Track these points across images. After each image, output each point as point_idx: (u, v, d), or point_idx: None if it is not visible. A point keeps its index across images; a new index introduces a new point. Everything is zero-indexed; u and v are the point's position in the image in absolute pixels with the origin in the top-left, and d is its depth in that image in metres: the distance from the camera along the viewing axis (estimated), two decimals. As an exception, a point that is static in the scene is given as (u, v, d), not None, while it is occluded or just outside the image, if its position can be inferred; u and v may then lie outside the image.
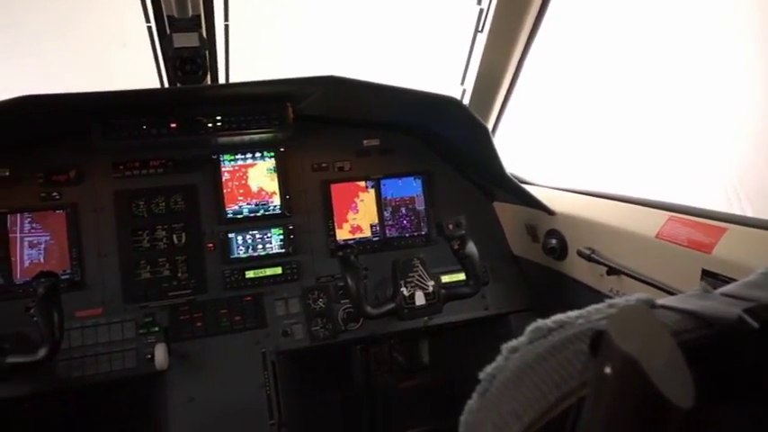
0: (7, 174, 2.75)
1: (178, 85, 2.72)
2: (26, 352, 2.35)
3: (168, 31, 2.40)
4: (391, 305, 2.69)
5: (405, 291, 2.70)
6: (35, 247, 2.77)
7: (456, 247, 2.79)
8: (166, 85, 3.01)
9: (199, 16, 2.37)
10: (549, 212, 2.89)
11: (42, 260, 2.77)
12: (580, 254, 2.65)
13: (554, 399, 0.58)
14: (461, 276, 3.08)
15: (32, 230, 2.78)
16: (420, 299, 2.70)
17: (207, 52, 2.49)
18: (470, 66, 2.87)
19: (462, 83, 2.98)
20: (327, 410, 3.55)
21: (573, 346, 0.63)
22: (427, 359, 3.92)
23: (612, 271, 2.51)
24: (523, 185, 2.92)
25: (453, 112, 2.64)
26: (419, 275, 2.74)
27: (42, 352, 2.30)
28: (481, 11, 2.54)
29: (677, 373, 0.46)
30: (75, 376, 2.66)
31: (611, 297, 2.56)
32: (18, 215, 2.75)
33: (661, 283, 2.23)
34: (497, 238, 3.30)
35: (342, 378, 3.77)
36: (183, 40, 2.40)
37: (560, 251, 2.86)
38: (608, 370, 0.47)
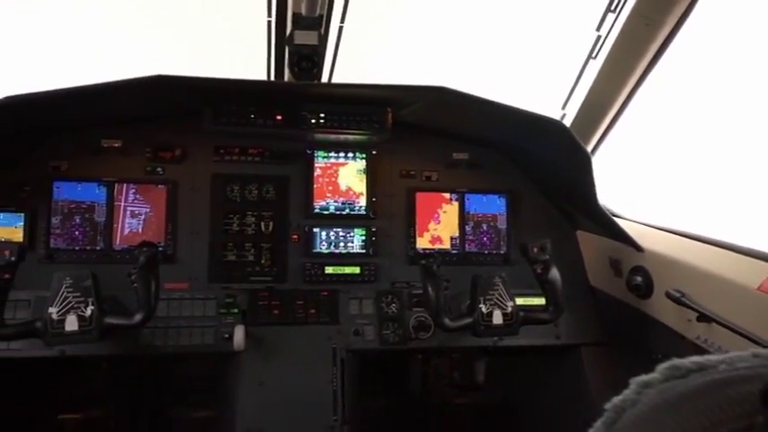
0: (119, 145, 2.91)
1: (286, 79, 2.82)
2: (119, 315, 2.48)
3: (291, 28, 2.49)
4: (468, 320, 2.68)
5: (483, 308, 2.69)
6: (136, 217, 2.92)
7: (539, 271, 2.76)
8: (272, 78, 3.13)
9: (323, 16, 2.44)
10: (638, 249, 2.82)
11: (140, 230, 2.92)
12: (668, 295, 2.58)
13: None
14: (536, 301, 3.05)
15: (135, 201, 2.93)
16: (498, 318, 2.69)
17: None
18: (576, 91, 2.84)
19: (564, 107, 2.95)
20: (381, 414, 3.57)
21: (721, 392, 0.62)
22: (482, 378, 3.89)
23: (703, 318, 2.43)
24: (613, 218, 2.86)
25: (555, 136, 2.62)
26: (499, 294, 2.72)
27: (138, 317, 2.42)
28: (599, 37, 2.51)
29: None
30: (157, 344, 2.78)
31: (697, 344, 2.46)
32: (124, 185, 2.91)
33: (760, 338, 2.14)
34: (576, 267, 3.25)
35: (395, 384, 3.79)
36: (304, 38, 2.48)
37: (645, 289, 2.78)
38: None
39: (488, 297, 2.71)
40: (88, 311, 2.38)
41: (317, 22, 2.46)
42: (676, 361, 0.70)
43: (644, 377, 0.71)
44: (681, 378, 0.67)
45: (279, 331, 2.90)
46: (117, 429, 3.26)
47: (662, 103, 2.86)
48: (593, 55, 2.60)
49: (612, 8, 2.40)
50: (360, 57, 3.18)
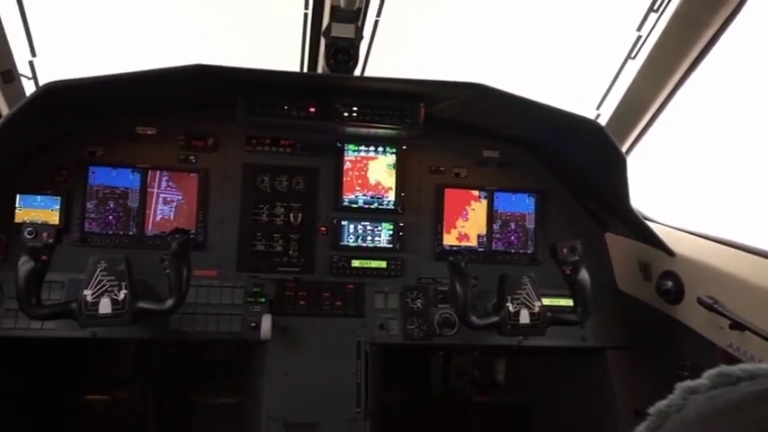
0: (153, 133, 2.94)
1: (319, 71, 2.83)
2: (150, 299, 2.52)
3: (328, 20, 2.49)
4: (495, 318, 2.68)
5: (510, 307, 2.68)
6: (168, 204, 2.96)
7: (568, 272, 2.74)
8: (305, 70, 3.14)
9: (360, 9, 2.45)
10: (670, 253, 2.78)
11: (172, 217, 2.96)
12: (700, 302, 2.54)
13: None
14: (562, 302, 3.03)
15: (168, 188, 2.97)
16: (525, 317, 2.68)
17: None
18: (612, 91, 2.80)
19: (598, 107, 2.91)
20: (401, 408, 3.58)
21: None
22: (502, 377, 3.89)
23: (736, 325, 2.39)
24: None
25: (590, 136, 2.59)
26: (527, 294, 2.71)
27: (169, 302, 2.46)
28: (639, 38, 2.47)
29: None
30: (185, 330, 2.82)
31: (729, 352, 2.43)
32: (158, 172, 2.95)
33: (797, 348, 2.10)
34: (604, 269, 3.21)
35: (416, 379, 3.80)
36: (342, 31, 2.49)
37: (675, 294, 2.75)
38: None
39: (516, 296, 2.70)
40: (121, 295, 2.42)
41: (354, 15, 2.46)
42: (725, 368, 0.69)
43: (690, 383, 0.70)
44: (730, 385, 0.66)
45: (304, 322, 2.92)
46: (142, 412, 3.32)
47: (703, 105, 2.81)
48: (633, 55, 2.56)
49: (655, 8, 2.36)
50: (392, 51, 3.18)
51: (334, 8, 2.43)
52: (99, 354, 3.52)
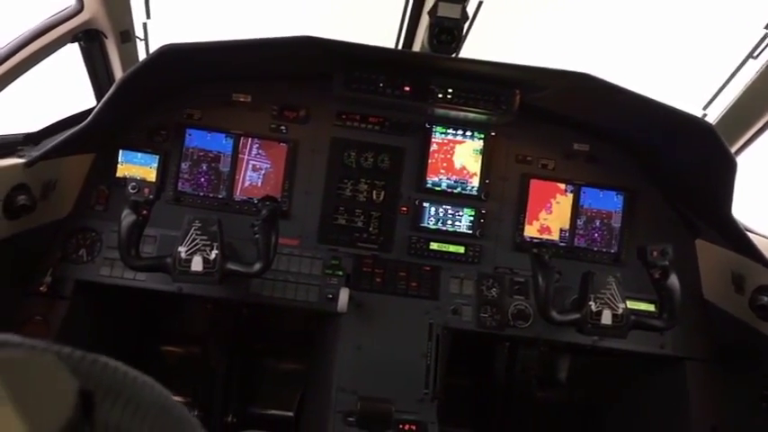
0: (249, 100, 3.01)
1: (417, 50, 2.80)
2: (236, 262, 2.60)
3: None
4: (576, 315, 2.62)
5: (593, 305, 2.61)
6: (257, 171, 3.04)
7: (657, 276, 2.65)
8: (400, 47, 3.12)
9: (470, -10, 2.40)
10: (769, 267, 2.63)
11: (260, 184, 3.03)
12: (800, 322, 2.40)
13: None
14: (642, 306, 2.95)
15: (258, 156, 3.04)
16: (607, 318, 2.61)
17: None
18: (724, 91, 2.65)
19: (706, 107, 2.76)
20: (464, 394, 3.58)
21: None
22: (564, 375, 3.82)
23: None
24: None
25: (698, 137, 2.46)
26: (611, 294, 2.64)
27: (257, 266, 2.53)
28: (766, 35, 2.31)
29: None
30: (264, 294, 2.91)
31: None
32: (250, 139, 3.03)
33: None
34: (690, 276, 3.07)
35: (478, 367, 3.79)
36: (448, 11, 2.45)
37: (771, 311, 2.60)
38: None
39: (599, 295, 2.63)
40: (212, 255, 2.52)
41: (463, -5, 2.41)
42: None
43: None
44: None
45: (379, 299, 2.95)
46: (213, 368, 3.46)
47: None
48: (755, 54, 2.40)
49: (789, 5, 2.21)
50: (490, 34, 3.11)
51: (443, -13, 2.39)
52: (177, 309, 3.69)
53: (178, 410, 0.57)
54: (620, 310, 2.62)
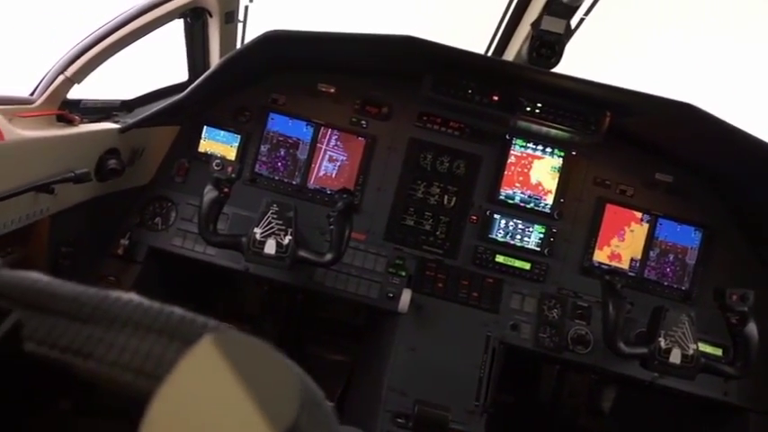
0: (333, 92, 3.04)
1: (510, 59, 2.76)
2: (307, 249, 2.63)
3: (540, 11, 2.42)
4: (644, 350, 2.55)
5: (662, 342, 2.54)
6: (333, 162, 3.06)
7: (734, 321, 2.55)
8: (490, 54, 3.09)
9: (578, 6, 2.35)
10: None
11: (334, 175, 3.05)
12: None
13: None
14: (709, 349, 2.87)
15: (335, 147, 3.06)
16: (676, 357, 2.53)
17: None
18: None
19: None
20: (506, 411, 3.54)
21: None
22: (609, 405, 3.73)
23: None
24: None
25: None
26: (683, 333, 2.55)
27: (329, 257, 2.55)
28: None
29: None
30: (327, 285, 2.94)
31: None
32: (329, 130, 3.05)
33: None
34: (765, 324, 2.95)
35: (523, 385, 3.73)
36: (552, 25, 2.41)
37: None
38: None
39: (670, 333, 2.55)
40: (286, 240, 2.55)
41: (569, 10, 2.36)
42: None
43: None
44: None
45: (439, 305, 2.93)
46: None
47: None
48: None
49: None
50: (585, 53, 3.04)
51: (550, 0, 2.34)
52: (232, 286, 3.76)
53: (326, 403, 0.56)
54: (691, 351, 2.53)
